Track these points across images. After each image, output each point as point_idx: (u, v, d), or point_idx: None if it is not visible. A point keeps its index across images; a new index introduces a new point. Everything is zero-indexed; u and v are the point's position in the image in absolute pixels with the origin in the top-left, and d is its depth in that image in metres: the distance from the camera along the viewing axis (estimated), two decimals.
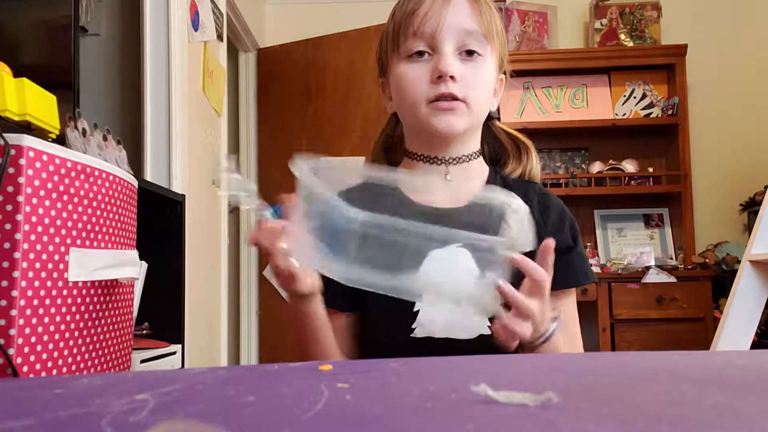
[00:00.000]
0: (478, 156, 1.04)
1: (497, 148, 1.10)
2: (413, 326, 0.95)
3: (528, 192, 1.00)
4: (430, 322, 0.95)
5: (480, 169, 1.04)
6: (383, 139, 1.14)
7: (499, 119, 1.11)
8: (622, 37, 3.84)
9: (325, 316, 0.90)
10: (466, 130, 0.97)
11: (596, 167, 3.76)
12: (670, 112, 3.71)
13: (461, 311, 0.95)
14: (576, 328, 1.01)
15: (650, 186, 3.73)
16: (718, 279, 3.43)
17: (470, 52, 0.94)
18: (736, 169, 3.80)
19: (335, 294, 0.97)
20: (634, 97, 3.83)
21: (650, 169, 3.79)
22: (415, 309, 0.95)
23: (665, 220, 3.84)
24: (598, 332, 3.35)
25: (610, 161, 3.77)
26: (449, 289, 0.92)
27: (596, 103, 3.84)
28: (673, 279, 3.37)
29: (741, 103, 3.86)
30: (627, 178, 3.72)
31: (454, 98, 0.93)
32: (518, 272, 0.92)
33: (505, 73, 1.06)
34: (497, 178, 1.04)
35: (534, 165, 1.08)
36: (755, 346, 2.69)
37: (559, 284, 0.92)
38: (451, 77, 0.92)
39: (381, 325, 0.97)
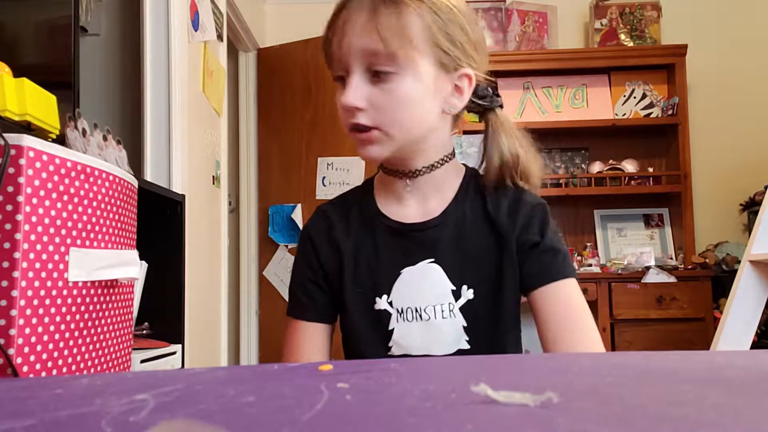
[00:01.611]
0: (442, 164, 0.96)
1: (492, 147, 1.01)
2: (389, 344, 0.94)
3: (499, 198, 0.95)
4: (405, 340, 0.93)
5: (448, 177, 0.97)
6: None
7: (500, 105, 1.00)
8: (622, 37, 3.84)
9: None
10: (394, 153, 0.90)
11: (596, 167, 3.76)
12: (670, 112, 3.71)
13: (435, 327, 0.93)
14: (583, 321, 0.92)
15: (650, 186, 3.73)
16: (718, 279, 3.43)
17: (377, 73, 0.86)
18: (736, 169, 3.81)
19: (316, 305, 0.99)
20: (634, 97, 3.83)
21: (650, 169, 3.79)
22: (390, 327, 0.94)
23: (665, 220, 3.84)
24: (598, 332, 3.34)
25: (610, 161, 3.77)
26: (420, 305, 0.93)
27: (596, 103, 3.84)
28: (673, 279, 3.37)
29: (741, 103, 3.86)
30: (627, 178, 3.72)
31: (367, 128, 0.87)
32: (496, 288, 0.93)
33: (469, 66, 0.91)
34: (470, 184, 0.98)
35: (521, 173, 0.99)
36: (755, 346, 2.69)
37: (532, 282, 0.91)
38: (357, 108, 0.86)
39: (361, 344, 0.97)
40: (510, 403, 0.35)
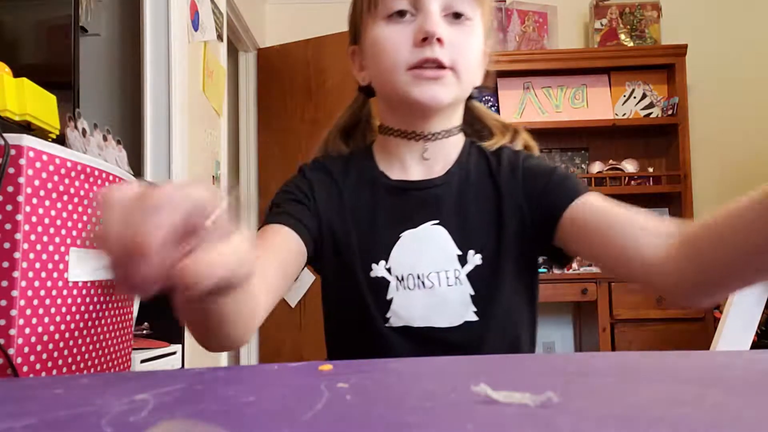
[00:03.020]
0: (459, 131, 0.92)
1: (479, 127, 0.98)
2: (387, 315, 0.84)
3: (500, 156, 0.90)
4: (405, 310, 0.84)
5: (457, 141, 0.93)
6: (346, 118, 1.01)
7: (480, 99, 0.99)
8: (622, 37, 3.84)
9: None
10: (451, 103, 0.85)
11: (596, 167, 3.76)
12: (670, 112, 3.71)
13: (439, 295, 0.84)
14: (631, 211, 0.76)
15: (650, 186, 3.72)
16: None
17: (458, 15, 0.82)
18: (736, 170, 3.80)
19: (298, 220, 0.84)
20: (634, 97, 3.83)
21: (650, 170, 3.79)
22: (388, 296, 0.84)
23: None
24: (598, 332, 3.35)
25: (610, 161, 3.77)
26: (423, 272, 0.84)
27: (596, 103, 3.84)
28: None
29: (741, 103, 3.86)
30: (627, 178, 3.72)
31: (441, 66, 0.80)
32: (504, 253, 0.84)
33: (488, 49, 0.92)
34: (472, 147, 0.93)
35: (522, 142, 0.95)
36: (755, 346, 2.69)
37: (561, 204, 0.81)
38: (438, 40, 0.79)
39: (355, 314, 0.86)
40: (510, 402, 0.35)
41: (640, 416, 0.33)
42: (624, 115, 3.82)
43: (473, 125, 0.97)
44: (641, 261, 0.71)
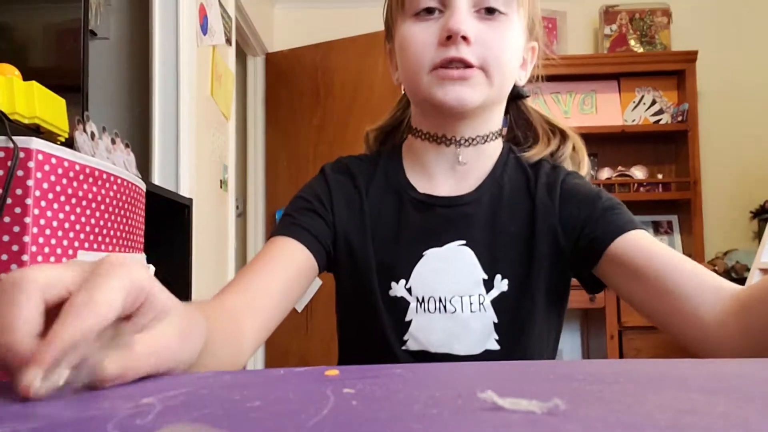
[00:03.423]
0: (497, 137, 0.86)
1: (527, 131, 0.92)
2: (405, 338, 0.80)
3: (539, 171, 0.84)
4: (423, 334, 0.79)
5: (494, 149, 0.86)
6: (387, 119, 0.97)
7: (528, 95, 0.93)
8: (632, 43, 3.83)
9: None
10: (482, 104, 0.78)
11: (605, 173, 3.75)
12: (679, 118, 3.70)
13: (461, 322, 0.79)
14: (679, 256, 0.73)
15: (659, 193, 3.71)
16: None
17: (491, 10, 0.76)
18: (746, 177, 3.79)
19: (310, 233, 0.80)
20: (644, 104, 3.82)
21: (659, 176, 3.78)
22: (407, 318, 0.80)
23: (674, 227, 3.82)
24: (606, 339, 3.33)
25: (619, 167, 3.76)
26: (445, 295, 0.79)
27: (605, 109, 3.83)
28: None
29: (751, 110, 3.84)
30: (636, 184, 3.71)
31: (467, 65, 0.75)
32: (531, 278, 0.79)
33: (537, 41, 0.87)
34: (509, 157, 0.87)
35: (567, 153, 0.89)
36: None
37: (604, 239, 0.76)
38: (464, 38, 0.74)
39: (371, 334, 0.82)
40: (516, 409, 0.35)
41: (648, 424, 0.32)
42: (633, 121, 3.81)
43: (521, 128, 0.93)
44: (700, 324, 0.67)
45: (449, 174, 0.85)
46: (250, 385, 0.45)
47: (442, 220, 0.82)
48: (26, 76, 1.17)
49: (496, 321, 0.79)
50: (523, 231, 0.81)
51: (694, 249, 3.64)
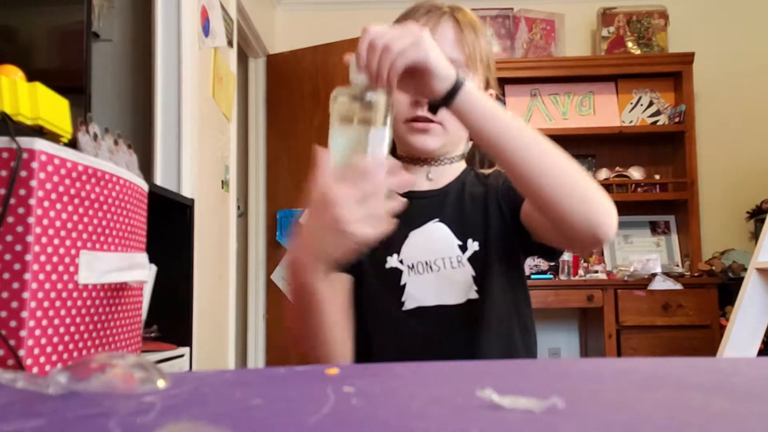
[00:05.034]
0: (460, 159, 1.10)
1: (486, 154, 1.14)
2: (402, 299, 0.99)
3: (489, 176, 1.08)
4: (418, 292, 0.99)
5: (457, 167, 1.10)
6: None
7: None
8: (629, 44, 3.84)
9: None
10: (442, 146, 1.03)
11: (603, 174, 3.75)
12: (676, 119, 3.70)
13: (446, 277, 0.99)
14: None
15: (657, 193, 3.72)
16: (725, 286, 3.41)
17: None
18: (742, 177, 3.79)
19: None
20: (641, 105, 3.83)
21: (657, 177, 3.78)
22: (402, 282, 0.99)
23: (672, 228, 3.82)
24: (604, 339, 3.33)
25: (617, 168, 3.76)
26: (430, 258, 0.98)
27: (603, 111, 3.83)
28: (679, 286, 3.35)
29: (748, 111, 3.85)
30: (633, 185, 3.72)
31: (430, 120, 0.98)
32: (497, 243, 1.00)
33: (492, 90, 1.09)
34: (470, 172, 1.10)
35: None
36: (762, 353, 2.68)
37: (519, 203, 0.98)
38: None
39: (375, 302, 1.00)
40: (515, 408, 0.35)
41: (646, 423, 0.33)
42: (631, 122, 3.81)
43: (480, 150, 1.14)
44: None
45: (424, 180, 1.08)
46: (252, 384, 0.45)
47: (419, 209, 1.02)
48: (30, 78, 1.17)
49: (473, 274, 0.99)
50: (480, 207, 1.04)
51: (691, 249, 3.65)
